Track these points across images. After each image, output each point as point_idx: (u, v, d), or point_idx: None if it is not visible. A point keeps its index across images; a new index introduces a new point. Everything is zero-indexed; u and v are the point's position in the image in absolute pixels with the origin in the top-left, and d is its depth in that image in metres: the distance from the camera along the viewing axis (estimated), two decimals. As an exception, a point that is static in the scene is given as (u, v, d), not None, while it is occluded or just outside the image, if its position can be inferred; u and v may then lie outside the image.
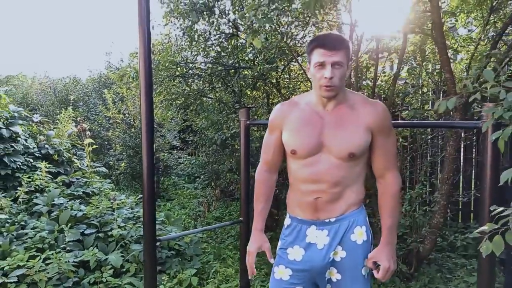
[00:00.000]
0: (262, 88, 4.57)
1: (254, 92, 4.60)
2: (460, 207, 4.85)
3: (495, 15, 3.29)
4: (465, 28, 3.94)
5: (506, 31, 3.11)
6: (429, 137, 4.04)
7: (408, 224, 3.35)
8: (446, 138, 3.48)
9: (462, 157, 4.56)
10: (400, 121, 3.49)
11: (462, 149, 4.40)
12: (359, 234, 1.63)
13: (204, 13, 3.25)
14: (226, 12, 4.15)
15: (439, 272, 3.67)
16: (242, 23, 4.04)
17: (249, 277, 1.71)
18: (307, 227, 1.66)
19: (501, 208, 1.52)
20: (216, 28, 3.76)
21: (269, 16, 1.86)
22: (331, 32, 1.90)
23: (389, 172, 1.64)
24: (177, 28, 4.18)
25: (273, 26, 3.47)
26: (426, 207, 3.55)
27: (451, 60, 3.71)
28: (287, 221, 1.75)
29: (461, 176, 4.61)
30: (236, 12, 4.01)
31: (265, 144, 1.77)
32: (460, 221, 4.87)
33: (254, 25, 2.24)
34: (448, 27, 4.39)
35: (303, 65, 4.10)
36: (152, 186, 2.36)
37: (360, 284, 1.63)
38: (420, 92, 4.19)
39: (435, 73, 3.45)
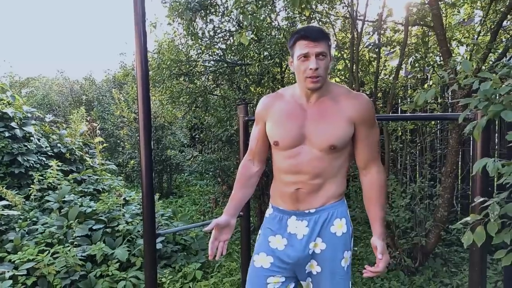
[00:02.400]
0: (266, 84, 4.60)
1: (258, 89, 4.64)
2: (470, 200, 4.78)
3: (497, 6, 3.23)
4: (469, 19, 3.88)
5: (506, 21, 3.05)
6: (433, 130, 4.00)
7: (409, 218, 3.33)
8: (450, 131, 3.45)
9: (471, 150, 4.50)
10: (380, 115, 3.50)
11: (471, 142, 4.34)
12: (339, 226, 1.64)
13: (200, 12, 3.29)
14: (230, 9, 4.20)
15: (445, 266, 3.64)
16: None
17: (210, 258, 1.69)
18: (288, 217, 1.68)
19: (483, 199, 1.52)
20: (217, 26, 3.80)
21: (255, 14, 1.88)
22: (310, 24, 1.90)
23: (374, 163, 1.65)
24: (182, 27, 4.26)
25: (272, 23, 3.49)
26: (428, 200, 3.53)
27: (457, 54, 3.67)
28: (269, 211, 1.78)
29: (470, 169, 4.54)
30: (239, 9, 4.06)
31: (251, 135, 1.81)
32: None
33: (243, 22, 2.27)
34: (460, 19, 4.33)
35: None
36: (150, 182, 2.42)
37: (339, 276, 1.64)
38: (425, 85, 4.15)
39: (436, 66, 3.41)
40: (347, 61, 3.82)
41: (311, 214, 1.64)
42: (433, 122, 3.97)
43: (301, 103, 1.63)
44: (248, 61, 4.53)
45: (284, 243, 1.67)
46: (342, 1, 3.51)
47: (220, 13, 4.12)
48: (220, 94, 5.03)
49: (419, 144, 4.01)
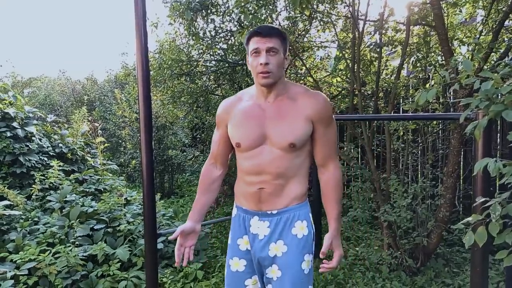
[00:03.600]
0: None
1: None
2: (472, 200, 4.76)
3: (499, 5, 3.22)
4: (471, 18, 3.87)
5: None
6: (435, 130, 3.99)
7: (410, 218, 3.32)
8: (451, 131, 3.44)
9: (473, 150, 4.48)
10: (376, 114, 3.49)
11: (473, 142, 4.33)
12: (300, 228, 1.64)
13: (201, 11, 3.29)
14: (230, 9, 4.20)
15: (447, 266, 3.63)
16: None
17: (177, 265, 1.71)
18: (250, 217, 1.69)
19: (484, 199, 1.52)
20: (218, 26, 3.81)
21: (255, 13, 1.87)
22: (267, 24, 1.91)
23: (331, 161, 1.66)
24: (183, 27, 4.26)
25: (274, 23, 3.48)
26: (430, 200, 3.52)
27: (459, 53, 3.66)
28: (234, 211, 1.79)
29: (472, 169, 4.53)
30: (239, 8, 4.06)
31: (213, 139, 1.82)
32: (472, 215, 4.77)
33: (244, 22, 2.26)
34: (462, 18, 4.32)
35: (305, 61, 4.11)
36: (151, 182, 2.43)
37: (299, 279, 1.63)
38: (427, 85, 4.14)
39: (437, 65, 3.40)
40: (348, 61, 3.81)
41: (273, 215, 1.65)
42: (435, 122, 3.96)
43: (259, 103, 1.64)
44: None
45: (250, 242, 1.69)
46: (344, 0, 3.49)
47: (221, 13, 4.12)
48: (221, 94, 5.03)
49: (420, 144, 4.00)
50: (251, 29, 1.64)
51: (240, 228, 1.72)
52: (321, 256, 1.59)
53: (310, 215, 1.71)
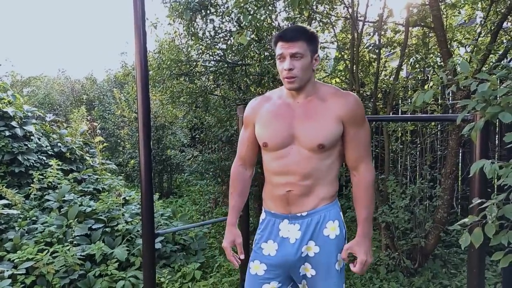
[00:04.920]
0: (267, 84, 4.60)
1: (258, 89, 4.64)
2: (469, 202, 4.76)
3: (497, 7, 3.22)
4: (470, 20, 3.88)
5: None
6: (433, 131, 4.00)
7: (408, 219, 3.33)
8: (449, 132, 3.45)
9: (470, 151, 4.49)
10: (374, 115, 3.50)
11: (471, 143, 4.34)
12: (332, 229, 1.62)
13: (200, 12, 3.29)
14: (230, 9, 4.20)
15: (444, 267, 3.64)
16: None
17: (236, 268, 1.72)
18: (280, 221, 1.66)
19: (480, 200, 1.52)
20: (217, 26, 3.81)
21: (254, 14, 1.88)
22: (295, 25, 1.90)
23: (362, 163, 1.62)
24: (182, 27, 4.27)
25: (273, 23, 3.49)
26: (428, 201, 3.52)
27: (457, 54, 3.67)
28: (262, 216, 1.76)
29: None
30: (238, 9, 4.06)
31: (240, 139, 1.80)
32: (471, 216, 4.77)
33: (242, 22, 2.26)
34: (461, 20, 4.34)
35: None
36: (149, 182, 2.42)
37: (333, 280, 1.62)
38: (426, 86, 4.15)
39: (436, 67, 3.41)
40: (347, 62, 3.82)
41: (303, 217, 1.62)
42: (433, 123, 3.97)
43: (288, 103, 1.62)
44: (248, 61, 4.53)
45: (275, 247, 1.66)
46: (343, 1, 3.50)
47: (221, 13, 4.13)
48: (220, 94, 5.04)
49: (419, 145, 4.01)
50: (248, 28, 1.63)
51: (267, 232, 1.69)
52: (343, 257, 1.61)
53: (341, 214, 1.69)
